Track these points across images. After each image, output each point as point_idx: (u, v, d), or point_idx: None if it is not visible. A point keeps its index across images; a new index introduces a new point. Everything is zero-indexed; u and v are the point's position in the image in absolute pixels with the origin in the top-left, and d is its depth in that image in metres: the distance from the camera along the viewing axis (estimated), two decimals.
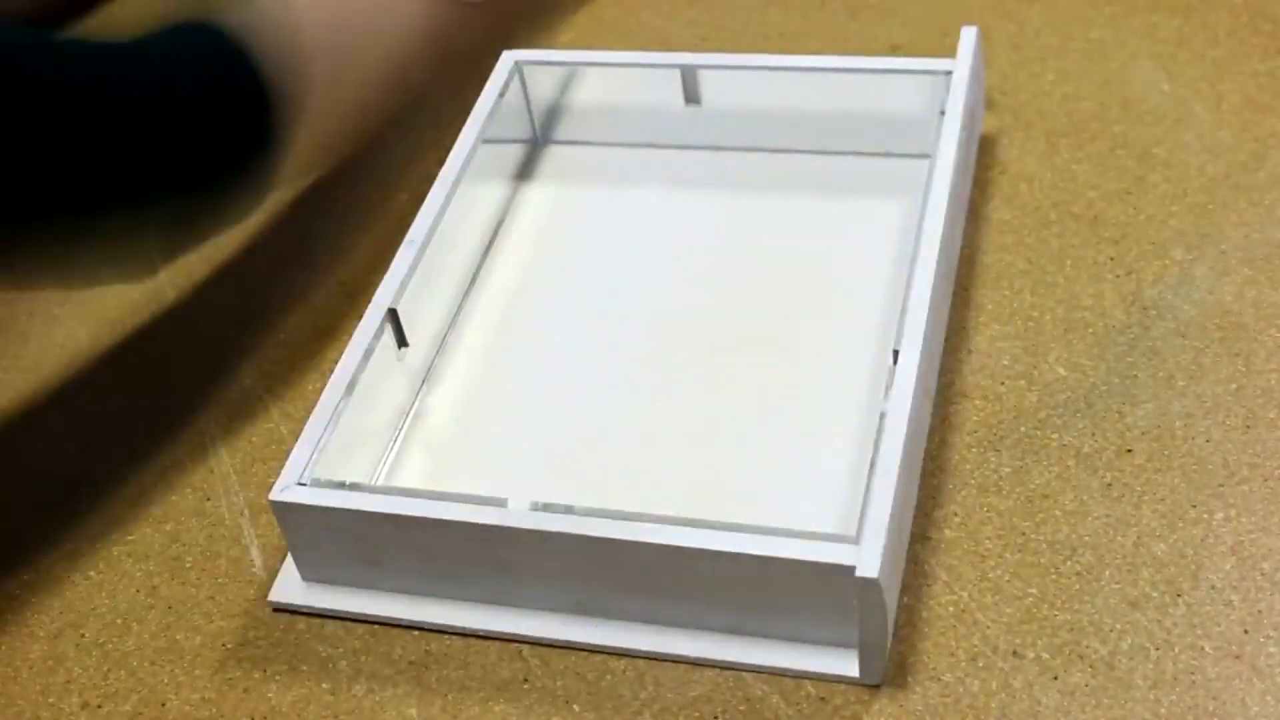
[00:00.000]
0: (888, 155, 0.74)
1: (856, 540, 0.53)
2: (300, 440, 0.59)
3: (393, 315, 0.64)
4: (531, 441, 0.65)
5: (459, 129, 0.73)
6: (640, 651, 0.57)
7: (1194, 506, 0.59)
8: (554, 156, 0.79)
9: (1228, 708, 0.53)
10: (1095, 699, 0.53)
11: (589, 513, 0.56)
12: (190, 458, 0.67)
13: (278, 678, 0.58)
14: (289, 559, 0.61)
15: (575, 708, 0.56)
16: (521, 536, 0.56)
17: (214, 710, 0.58)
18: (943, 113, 0.69)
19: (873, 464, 0.55)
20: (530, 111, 0.78)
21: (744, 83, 0.75)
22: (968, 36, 0.72)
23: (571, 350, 0.69)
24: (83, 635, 0.61)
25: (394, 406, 0.66)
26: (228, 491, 0.66)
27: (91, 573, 0.63)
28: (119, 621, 0.61)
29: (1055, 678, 0.54)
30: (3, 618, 0.62)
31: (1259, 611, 0.55)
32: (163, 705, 0.58)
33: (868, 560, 0.51)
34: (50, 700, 0.59)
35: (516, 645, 0.58)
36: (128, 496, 0.66)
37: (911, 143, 0.73)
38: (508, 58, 0.76)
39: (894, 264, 0.69)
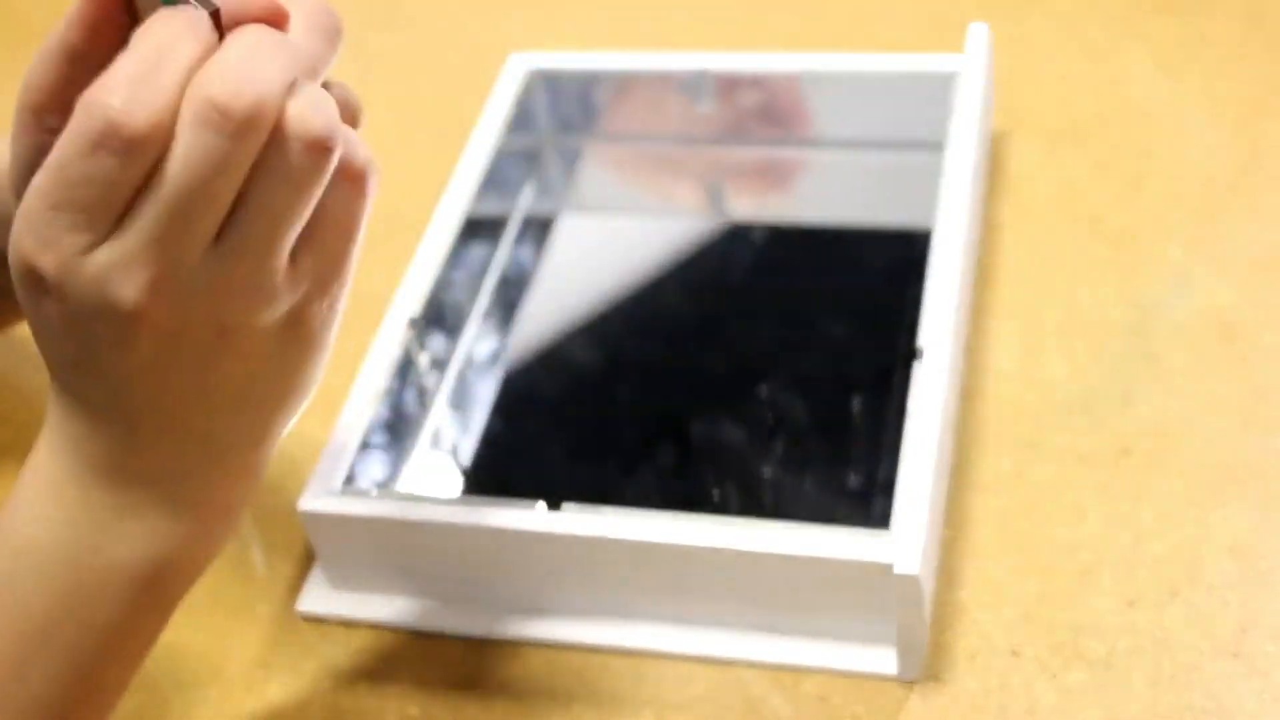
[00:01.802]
0: (901, 153, 0.75)
1: (893, 537, 0.53)
2: (328, 449, 0.59)
3: (414, 324, 0.64)
4: (551, 448, 0.66)
5: (466, 134, 0.73)
6: (677, 654, 0.57)
7: (1192, 506, 0.59)
8: (567, 159, 0.79)
9: (1225, 707, 0.53)
10: (1093, 697, 0.53)
11: (622, 514, 0.56)
12: None
13: (279, 676, 0.58)
14: (316, 568, 0.61)
15: (575, 707, 0.56)
16: (553, 539, 0.56)
17: (215, 709, 0.58)
18: (956, 109, 0.69)
19: (905, 459, 0.55)
20: (540, 115, 0.78)
21: (755, 82, 0.75)
22: (977, 33, 0.72)
23: (592, 353, 0.69)
24: None
25: (415, 414, 0.66)
26: None
27: None
28: None
29: (1054, 676, 0.54)
30: None
31: (1257, 610, 0.55)
32: (163, 705, 0.58)
33: (906, 557, 0.51)
34: None
35: (515, 644, 0.58)
36: None
37: (926, 139, 0.73)
38: (517, 61, 0.76)
39: (915, 257, 0.68)
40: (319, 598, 0.61)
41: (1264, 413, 0.62)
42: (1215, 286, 0.67)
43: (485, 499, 0.57)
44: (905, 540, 0.52)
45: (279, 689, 0.58)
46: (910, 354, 0.59)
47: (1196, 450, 0.61)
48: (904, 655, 0.54)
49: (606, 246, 0.75)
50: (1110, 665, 0.54)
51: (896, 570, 0.51)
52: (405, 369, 0.64)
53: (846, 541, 0.53)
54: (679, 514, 0.55)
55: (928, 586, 0.54)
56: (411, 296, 0.65)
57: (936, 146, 0.69)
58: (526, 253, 0.74)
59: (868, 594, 0.53)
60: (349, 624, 0.60)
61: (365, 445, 0.61)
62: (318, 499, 0.58)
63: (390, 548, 0.58)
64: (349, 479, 0.59)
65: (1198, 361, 0.64)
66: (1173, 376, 0.64)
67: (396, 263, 0.72)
